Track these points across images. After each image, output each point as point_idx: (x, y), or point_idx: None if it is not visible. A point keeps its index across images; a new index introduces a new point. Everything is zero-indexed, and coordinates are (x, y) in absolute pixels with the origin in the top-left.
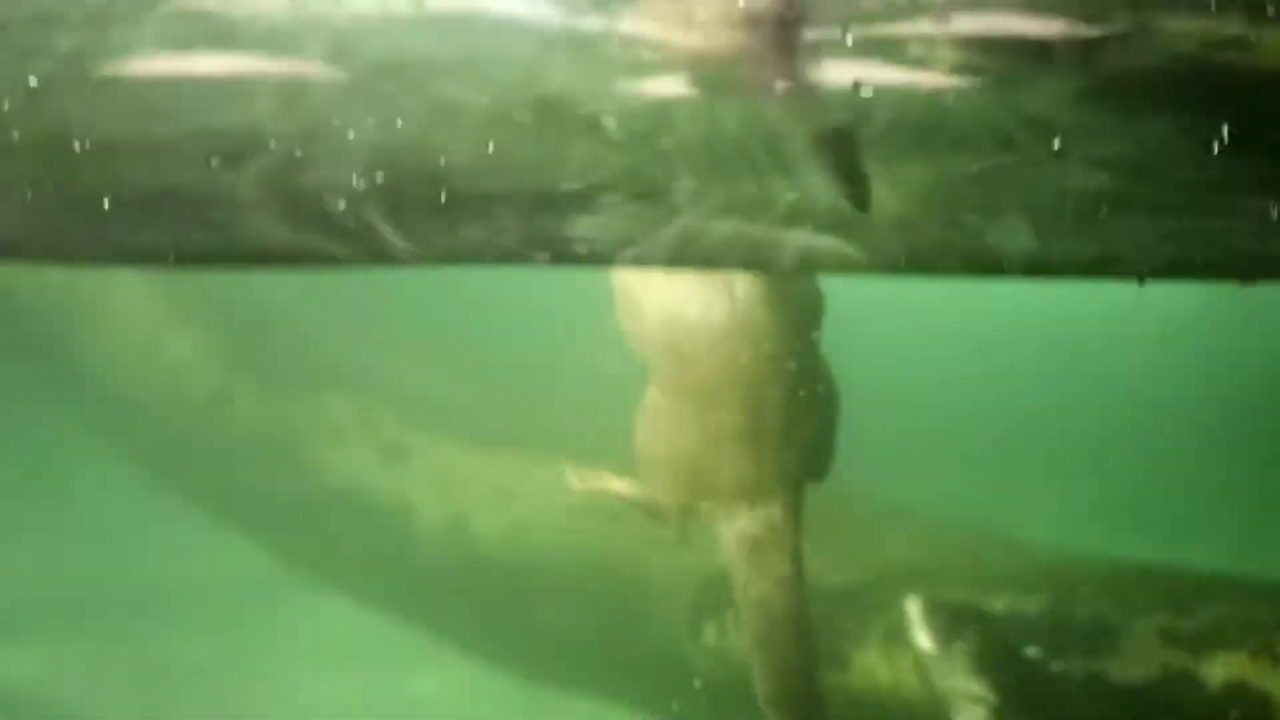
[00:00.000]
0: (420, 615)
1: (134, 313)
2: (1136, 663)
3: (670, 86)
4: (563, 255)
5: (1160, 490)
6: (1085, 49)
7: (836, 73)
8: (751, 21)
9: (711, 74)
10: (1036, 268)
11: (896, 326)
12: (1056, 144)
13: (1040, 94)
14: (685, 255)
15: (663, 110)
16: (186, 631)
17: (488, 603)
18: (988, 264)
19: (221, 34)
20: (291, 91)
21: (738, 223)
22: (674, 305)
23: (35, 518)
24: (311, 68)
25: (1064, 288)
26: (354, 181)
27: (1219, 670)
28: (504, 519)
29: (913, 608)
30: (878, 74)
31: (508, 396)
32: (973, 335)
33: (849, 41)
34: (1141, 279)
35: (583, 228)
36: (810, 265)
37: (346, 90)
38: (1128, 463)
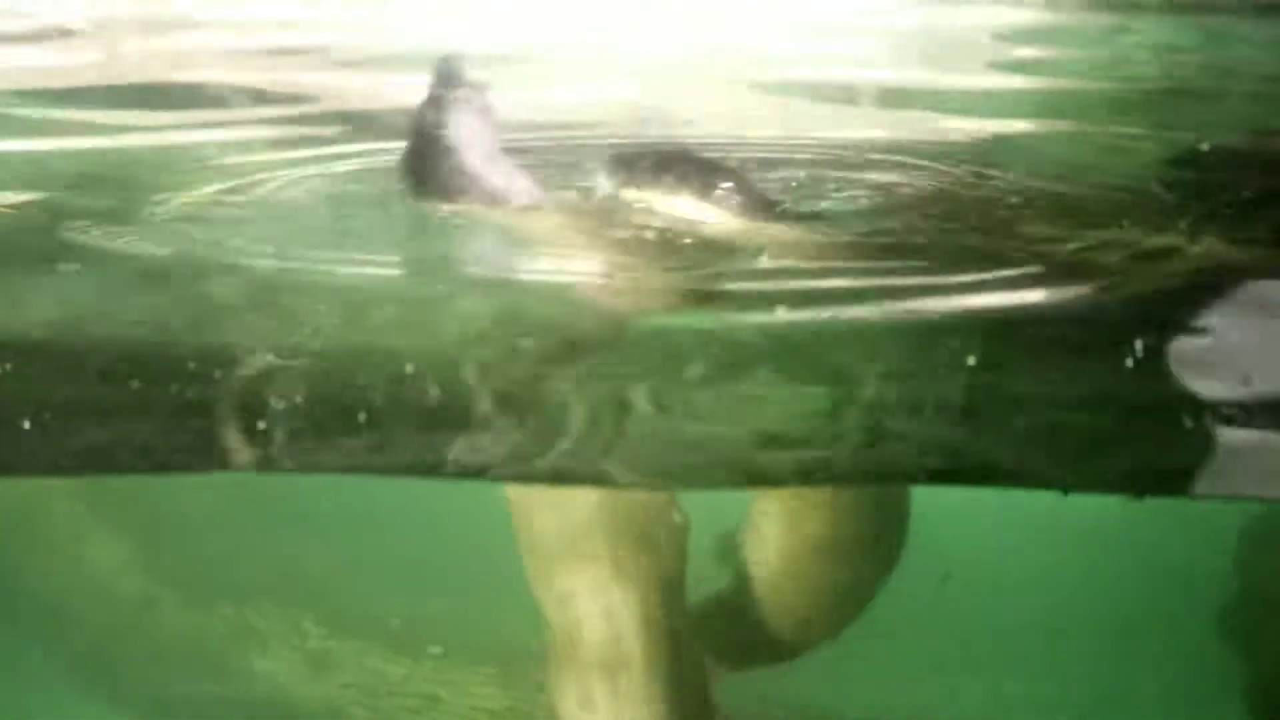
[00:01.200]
0: None
1: (58, 522)
2: None
3: None
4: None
5: (1093, 678)
6: None
7: None
8: None
9: None
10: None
11: None
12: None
13: None
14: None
15: None
16: None
17: None
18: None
19: None
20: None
21: None
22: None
23: None
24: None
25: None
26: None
27: None
28: None
29: None
30: None
31: (436, 604)
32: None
33: None
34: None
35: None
36: None
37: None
38: (1056, 660)
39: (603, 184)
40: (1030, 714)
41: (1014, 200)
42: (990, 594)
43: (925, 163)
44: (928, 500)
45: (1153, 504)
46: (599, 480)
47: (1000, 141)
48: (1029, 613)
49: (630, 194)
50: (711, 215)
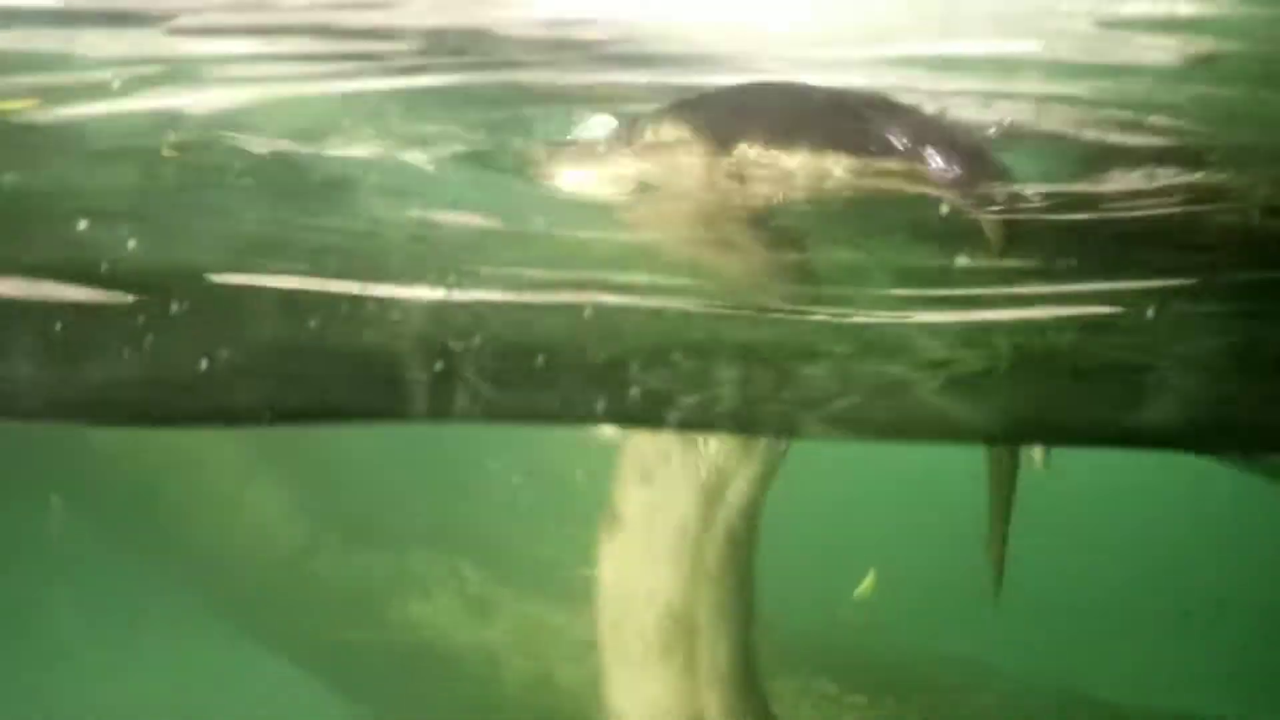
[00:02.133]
0: None
1: (223, 469)
2: None
3: None
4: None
5: (1240, 653)
6: None
7: None
8: None
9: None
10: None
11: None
12: None
13: None
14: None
15: None
16: None
17: None
18: None
19: None
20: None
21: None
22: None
23: (127, 667)
24: None
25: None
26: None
27: None
28: (587, 670)
29: None
30: None
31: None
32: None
33: None
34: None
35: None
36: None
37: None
38: (1210, 626)
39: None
40: (1181, 684)
41: None
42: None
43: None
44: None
45: None
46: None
47: None
48: (1182, 585)
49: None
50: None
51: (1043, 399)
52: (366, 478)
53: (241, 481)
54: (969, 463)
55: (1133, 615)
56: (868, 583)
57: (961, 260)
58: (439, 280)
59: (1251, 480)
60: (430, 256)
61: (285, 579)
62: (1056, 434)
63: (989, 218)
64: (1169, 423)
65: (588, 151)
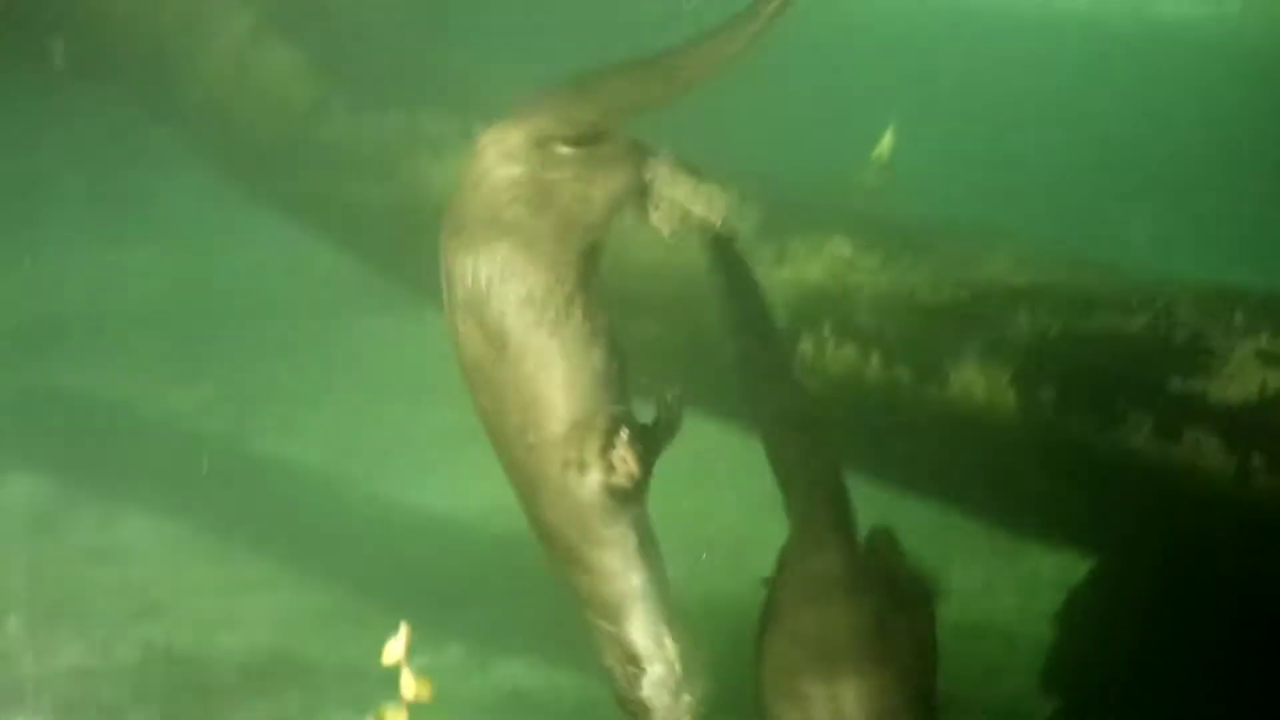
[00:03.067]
0: None
1: (230, 25)
2: (1234, 383)
3: None
4: None
5: (1259, 214)
6: None
7: None
8: None
9: None
10: None
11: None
12: None
13: None
14: None
15: None
16: (261, 349)
17: None
18: None
19: None
20: None
21: None
22: None
23: (138, 235)
24: None
25: None
26: None
27: None
28: None
29: None
30: None
31: None
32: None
33: None
34: None
35: None
36: None
37: None
38: (1227, 184)
39: None
40: (1191, 249)
41: None
42: None
43: None
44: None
45: None
46: None
47: None
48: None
49: None
50: None
51: None
52: (377, 37)
53: (250, 42)
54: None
55: (1147, 177)
56: (885, 142)
57: None
58: None
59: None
60: None
61: (295, 140)
62: None
63: None
64: None
65: None
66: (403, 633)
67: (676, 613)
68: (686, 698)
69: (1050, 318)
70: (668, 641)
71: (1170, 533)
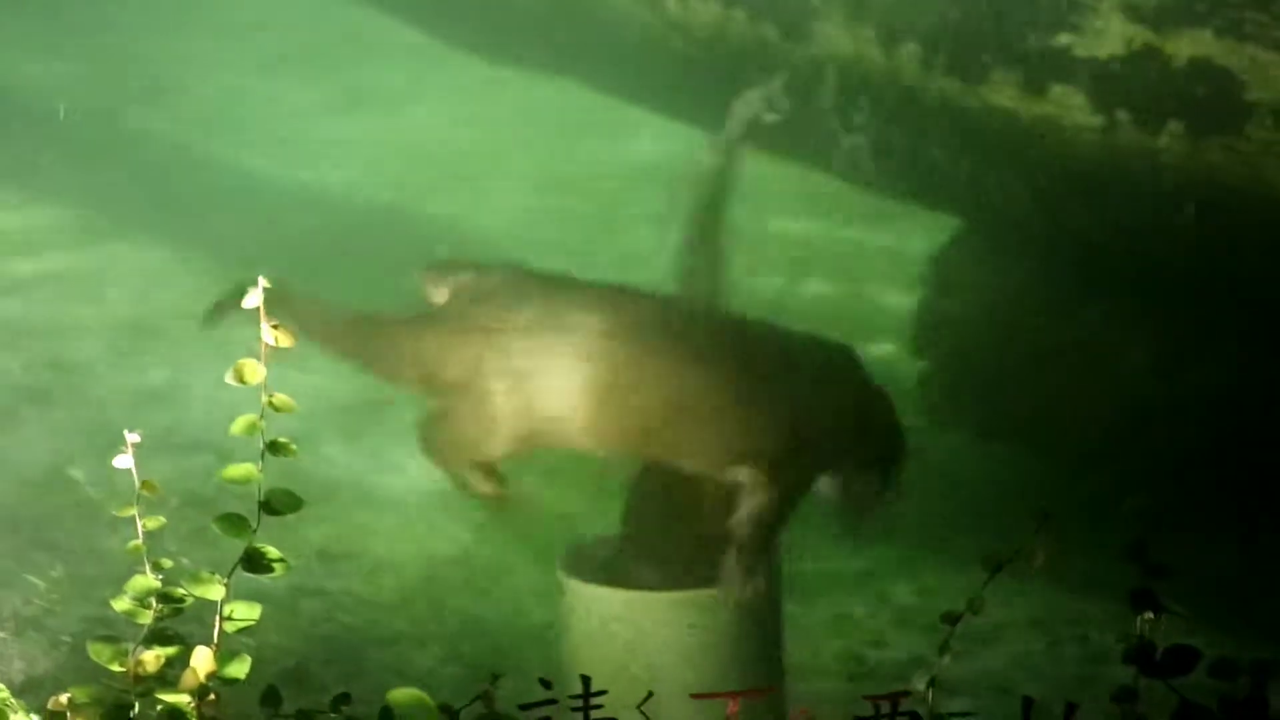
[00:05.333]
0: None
1: None
2: (1101, 41)
3: None
4: None
5: None
6: None
7: None
8: None
9: None
10: None
11: None
12: None
13: None
14: None
15: None
16: None
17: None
18: None
19: None
20: None
21: None
22: None
23: None
24: None
25: None
26: None
27: (1184, 47)
28: None
29: None
30: None
31: None
32: None
33: None
34: None
35: None
36: None
37: None
38: None
39: None
40: None
41: None
42: None
43: None
44: None
45: None
46: None
47: None
48: None
49: None
50: None
51: None
52: None
53: None
54: None
55: None
56: None
57: None
58: None
59: None
60: None
61: None
62: None
63: None
64: None
65: None
66: (262, 282)
67: None
68: None
69: None
70: None
71: (1037, 191)
